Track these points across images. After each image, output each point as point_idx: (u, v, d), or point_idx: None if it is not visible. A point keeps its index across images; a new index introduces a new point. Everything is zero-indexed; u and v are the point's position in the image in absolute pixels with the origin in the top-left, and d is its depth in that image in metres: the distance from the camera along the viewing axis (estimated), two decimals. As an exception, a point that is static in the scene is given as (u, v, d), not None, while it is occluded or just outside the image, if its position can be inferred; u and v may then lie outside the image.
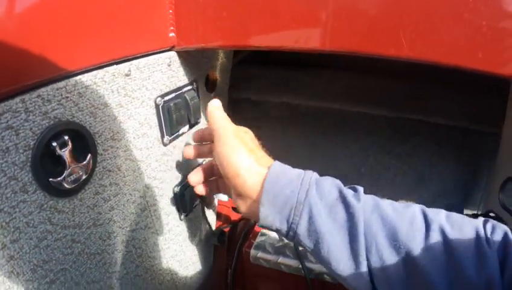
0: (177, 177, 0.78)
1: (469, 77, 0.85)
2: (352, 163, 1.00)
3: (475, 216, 0.72)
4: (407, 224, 0.45)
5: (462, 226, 0.45)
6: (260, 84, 1.05)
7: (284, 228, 0.49)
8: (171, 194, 0.76)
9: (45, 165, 0.47)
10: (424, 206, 0.48)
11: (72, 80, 0.48)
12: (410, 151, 0.96)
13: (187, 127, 0.76)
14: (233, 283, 1.05)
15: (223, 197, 0.97)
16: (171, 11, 0.63)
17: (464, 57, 0.48)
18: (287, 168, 0.52)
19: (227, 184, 0.55)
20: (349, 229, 0.46)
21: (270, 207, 0.49)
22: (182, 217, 0.81)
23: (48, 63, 0.45)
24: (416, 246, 0.44)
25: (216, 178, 0.67)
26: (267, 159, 0.54)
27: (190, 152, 0.66)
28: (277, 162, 0.52)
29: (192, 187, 0.72)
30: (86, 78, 0.50)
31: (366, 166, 0.99)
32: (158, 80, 0.65)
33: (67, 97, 0.48)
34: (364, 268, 0.45)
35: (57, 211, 0.50)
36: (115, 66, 0.55)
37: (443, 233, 0.44)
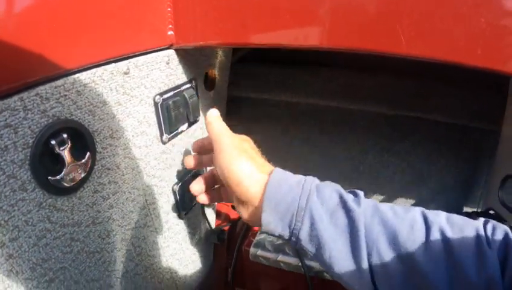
0: (176, 175, 0.78)
1: (469, 75, 0.85)
2: (351, 161, 1.00)
3: (475, 214, 0.72)
4: (408, 227, 0.46)
5: (463, 227, 0.45)
6: (259, 82, 1.04)
7: (286, 233, 0.49)
8: (170, 193, 0.76)
9: (44, 163, 0.47)
10: (424, 209, 0.49)
11: (71, 78, 0.48)
12: (409, 149, 0.96)
13: (186, 125, 0.76)
14: (233, 281, 1.05)
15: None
16: (169, 9, 0.63)
17: (462, 54, 0.48)
18: (288, 174, 0.52)
19: (230, 192, 0.55)
20: (351, 233, 0.46)
21: (272, 213, 0.49)
22: (182, 215, 0.81)
23: (46, 62, 0.45)
24: (417, 248, 0.44)
25: (218, 187, 0.67)
26: (268, 166, 0.54)
27: (191, 162, 0.67)
28: (278, 169, 0.52)
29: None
30: (84, 77, 0.50)
31: (365, 164, 0.99)
32: (157, 78, 0.65)
33: (66, 95, 0.48)
34: (366, 271, 0.46)
35: (56, 209, 0.50)
36: (113, 64, 0.55)
37: (443, 234, 0.44)
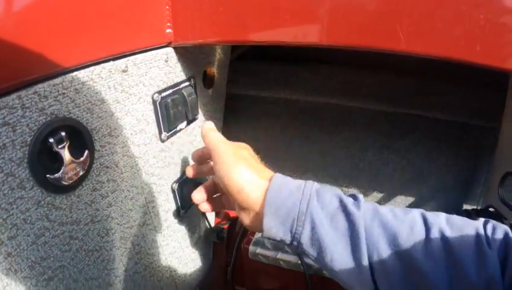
0: (175, 173, 0.78)
1: (469, 72, 0.85)
2: (351, 158, 1.00)
3: (474, 211, 0.72)
4: (408, 229, 0.46)
5: (462, 227, 0.45)
6: (258, 80, 1.04)
7: (287, 238, 0.50)
8: (169, 191, 0.76)
9: (42, 161, 0.47)
10: (424, 211, 0.49)
11: (69, 76, 0.48)
12: (409, 146, 0.96)
13: (185, 123, 0.76)
14: (232, 280, 1.05)
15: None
16: (167, 6, 0.62)
17: (461, 50, 0.48)
18: (288, 179, 0.52)
19: (231, 200, 0.55)
20: (351, 236, 0.47)
21: (274, 219, 0.50)
22: (181, 213, 0.81)
23: (45, 60, 0.45)
24: (417, 250, 0.44)
25: (219, 195, 0.67)
26: (268, 172, 0.55)
27: (191, 172, 0.68)
28: (278, 175, 0.53)
29: (191, 184, 0.71)
30: (82, 75, 0.50)
31: (365, 161, 0.99)
32: (155, 76, 0.65)
33: (64, 93, 0.48)
34: (367, 272, 0.46)
35: (55, 208, 0.50)
36: (111, 62, 0.55)
37: (443, 235, 0.45)
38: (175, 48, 0.68)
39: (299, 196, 0.49)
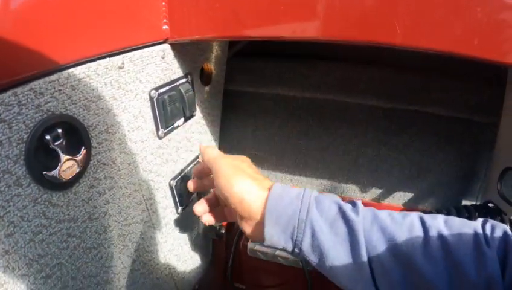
0: (173, 170, 0.78)
1: (467, 67, 0.85)
2: (349, 154, 1.00)
3: (474, 207, 0.72)
4: (406, 232, 0.47)
5: (461, 228, 0.46)
6: (256, 77, 1.04)
7: (289, 246, 0.51)
8: (167, 188, 0.76)
9: (39, 158, 0.46)
10: (422, 213, 0.50)
11: (65, 73, 0.48)
12: (407, 142, 0.96)
13: (182, 120, 0.76)
14: (231, 277, 1.06)
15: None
16: (164, 3, 0.62)
17: (459, 44, 0.48)
18: (287, 188, 0.53)
19: (232, 211, 0.56)
20: (351, 241, 0.48)
21: (275, 227, 0.51)
22: (179, 210, 0.81)
23: (40, 56, 0.45)
24: (416, 250, 0.45)
25: (221, 206, 0.68)
26: (267, 182, 0.56)
27: (192, 187, 0.70)
28: (277, 184, 0.54)
29: (189, 180, 0.71)
30: (78, 71, 0.50)
31: (363, 157, 0.98)
32: (152, 72, 0.64)
33: (60, 90, 0.48)
34: (367, 276, 0.47)
35: (52, 205, 0.50)
36: (108, 59, 0.55)
37: (441, 236, 0.45)
38: (172, 45, 0.68)
39: (299, 203, 0.50)
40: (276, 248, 0.53)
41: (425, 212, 0.89)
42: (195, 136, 0.84)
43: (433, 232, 0.46)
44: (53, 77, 0.46)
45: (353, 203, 0.52)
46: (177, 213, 0.81)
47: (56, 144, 0.48)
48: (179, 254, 0.85)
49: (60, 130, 0.48)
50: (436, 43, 0.49)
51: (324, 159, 1.02)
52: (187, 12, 0.62)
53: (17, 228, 0.45)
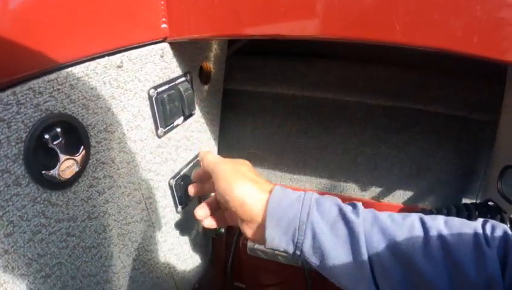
0: (172, 169, 0.77)
1: (467, 65, 0.84)
2: (349, 153, 1.00)
3: (474, 205, 0.72)
4: (406, 232, 0.47)
5: (461, 228, 0.46)
6: (255, 75, 1.04)
7: (290, 248, 0.51)
8: (166, 187, 0.76)
9: (38, 157, 0.46)
10: (422, 214, 0.50)
11: (64, 72, 0.48)
12: (407, 140, 0.96)
13: (181, 118, 0.76)
14: (231, 276, 1.06)
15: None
16: (162, 1, 0.62)
17: (458, 42, 0.48)
18: (287, 191, 0.54)
19: (233, 215, 0.57)
20: (351, 243, 0.48)
21: (276, 229, 0.51)
22: (179, 209, 0.81)
23: (39, 55, 0.45)
24: (416, 251, 0.45)
25: (222, 210, 0.68)
26: (267, 185, 0.56)
27: (193, 191, 0.70)
28: (278, 187, 0.54)
29: (188, 180, 0.71)
30: (77, 70, 0.50)
31: (363, 156, 0.98)
32: (151, 71, 0.64)
33: (59, 89, 0.48)
34: (368, 277, 0.47)
35: (51, 204, 0.49)
36: (106, 58, 0.54)
37: (441, 236, 0.45)
38: (170, 43, 0.68)
39: (299, 206, 0.51)
40: (277, 251, 0.53)
41: (425, 210, 0.89)
42: (195, 135, 0.84)
43: (433, 233, 0.46)
44: (52, 76, 0.46)
45: (353, 205, 0.52)
46: (177, 212, 0.81)
47: (55, 143, 0.48)
48: (179, 253, 0.85)
49: (59, 130, 0.48)
50: (435, 41, 0.48)
51: (323, 158, 1.01)
52: (186, 10, 0.61)
53: (16, 228, 0.45)
